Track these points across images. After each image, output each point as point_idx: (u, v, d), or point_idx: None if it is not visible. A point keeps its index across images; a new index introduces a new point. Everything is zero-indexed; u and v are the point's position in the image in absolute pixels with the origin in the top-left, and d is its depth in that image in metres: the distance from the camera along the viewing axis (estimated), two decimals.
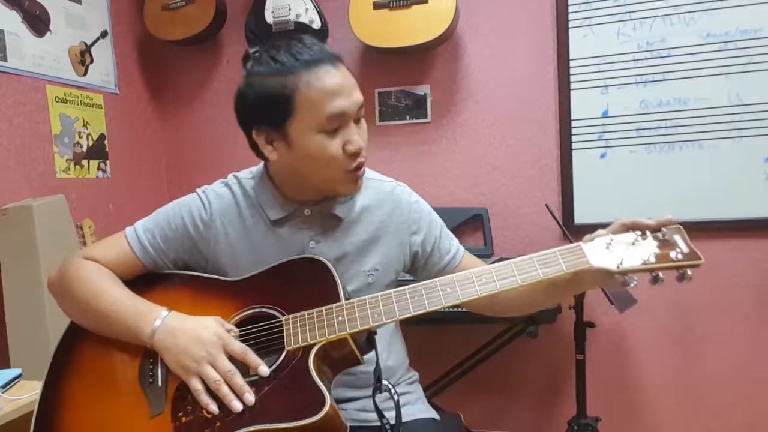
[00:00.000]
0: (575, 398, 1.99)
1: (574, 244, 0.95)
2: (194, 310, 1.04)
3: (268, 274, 1.08)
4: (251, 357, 0.97)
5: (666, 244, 0.92)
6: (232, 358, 0.97)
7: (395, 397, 1.00)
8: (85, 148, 2.30)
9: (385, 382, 1.01)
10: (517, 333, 2.16)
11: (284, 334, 0.99)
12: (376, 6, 2.22)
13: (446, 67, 2.41)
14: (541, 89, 2.31)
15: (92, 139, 2.34)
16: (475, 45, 2.37)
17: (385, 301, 0.98)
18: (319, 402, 0.89)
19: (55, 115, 2.17)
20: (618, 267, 0.92)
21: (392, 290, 0.99)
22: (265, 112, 1.03)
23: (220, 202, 1.14)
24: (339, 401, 1.03)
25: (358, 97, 1.04)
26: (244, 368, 0.97)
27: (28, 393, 1.37)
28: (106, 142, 2.41)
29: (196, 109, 2.72)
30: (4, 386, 1.41)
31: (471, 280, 0.96)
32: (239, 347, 0.97)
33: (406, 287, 0.98)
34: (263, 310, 1.04)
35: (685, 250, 0.92)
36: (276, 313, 1.03)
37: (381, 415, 1.00)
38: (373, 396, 0.99)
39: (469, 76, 2.39)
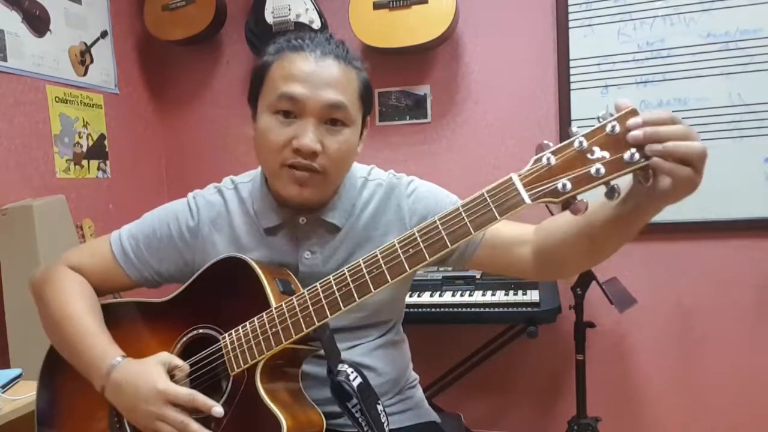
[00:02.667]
0: (575, 398, 1.99)
1: (505, 178, 0.77)
2: (143, 340, 1.03)
3: (196, 285, 1.02)
4: (200, 401, 0.90)
5: (617, 143, 0.71)
6: None
7: (359, 406, 0.90)
8: (85, 148, 2.30)
9: (344, 367, 0.91)
10: (517, 333, 2.16)
11: (225, 359, 0.94)
12: (376, 6, 2.22)
13: (446, 67, 2.40)
14: (541, 89, 2.31)
15: (92, 139, 2.34)
16: (475, 45, 2.37)
17: (314, 302, 0.88)
18: (274, 427, 0.86)
19: (55, 115, 2.17)
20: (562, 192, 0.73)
21: (318, 283, 0.89)
22: (250, 89, 1.02)
23: (209, 209, 1.09)
24: (327, 416, 0.96)
25: (327, 95, 0.94)
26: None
27: (28, 393, 1.36)
28: (106, 142, 2.41)
29: (196, 109, 2.72)
30: (4, 386, 1.41)
31: (396, 254, 0.82)
32: (184, 396, 0.90)
33: (331, 276, 0.88)
34: (200, 331, 1.00)
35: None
36: (214, 333, 0.98)
37: (344, 401, 0.91)
38: (331, 382, 0.91)
39: (469, 76, 2.39)
